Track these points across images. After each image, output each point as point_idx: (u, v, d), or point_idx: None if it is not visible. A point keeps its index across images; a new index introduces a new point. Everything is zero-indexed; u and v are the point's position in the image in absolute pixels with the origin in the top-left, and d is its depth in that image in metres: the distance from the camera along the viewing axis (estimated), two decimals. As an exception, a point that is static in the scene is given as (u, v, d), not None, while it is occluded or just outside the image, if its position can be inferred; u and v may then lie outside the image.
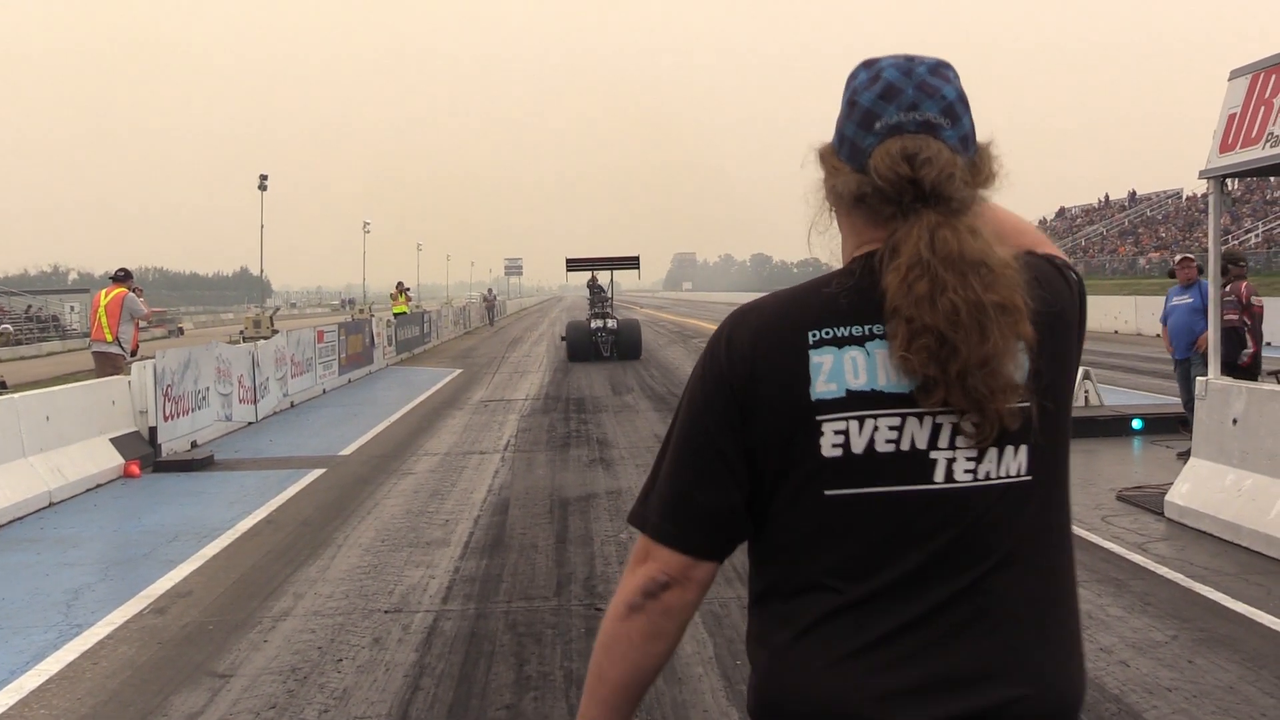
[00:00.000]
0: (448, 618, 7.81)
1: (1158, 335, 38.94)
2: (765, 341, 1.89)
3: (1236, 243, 63.44)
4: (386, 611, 7.99)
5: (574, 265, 37.66)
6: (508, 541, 10.04)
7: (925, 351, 1.77)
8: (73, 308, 70.91)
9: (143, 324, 18.39)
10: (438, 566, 9.21)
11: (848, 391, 1.84)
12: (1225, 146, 9.79)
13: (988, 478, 1.84)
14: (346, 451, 15.75)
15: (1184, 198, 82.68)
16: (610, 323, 33.40)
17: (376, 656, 7.02)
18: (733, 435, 1.90)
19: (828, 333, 1.86)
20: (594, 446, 15.57)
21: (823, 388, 1.84)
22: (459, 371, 30.21)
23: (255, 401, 19.37)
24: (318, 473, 13.88)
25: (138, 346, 17.53)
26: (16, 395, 12.65)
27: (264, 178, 75.99)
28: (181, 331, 47.13)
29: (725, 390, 1.91)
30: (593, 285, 39.40)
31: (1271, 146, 9.05)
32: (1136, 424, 15.15)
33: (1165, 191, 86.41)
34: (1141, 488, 11.36)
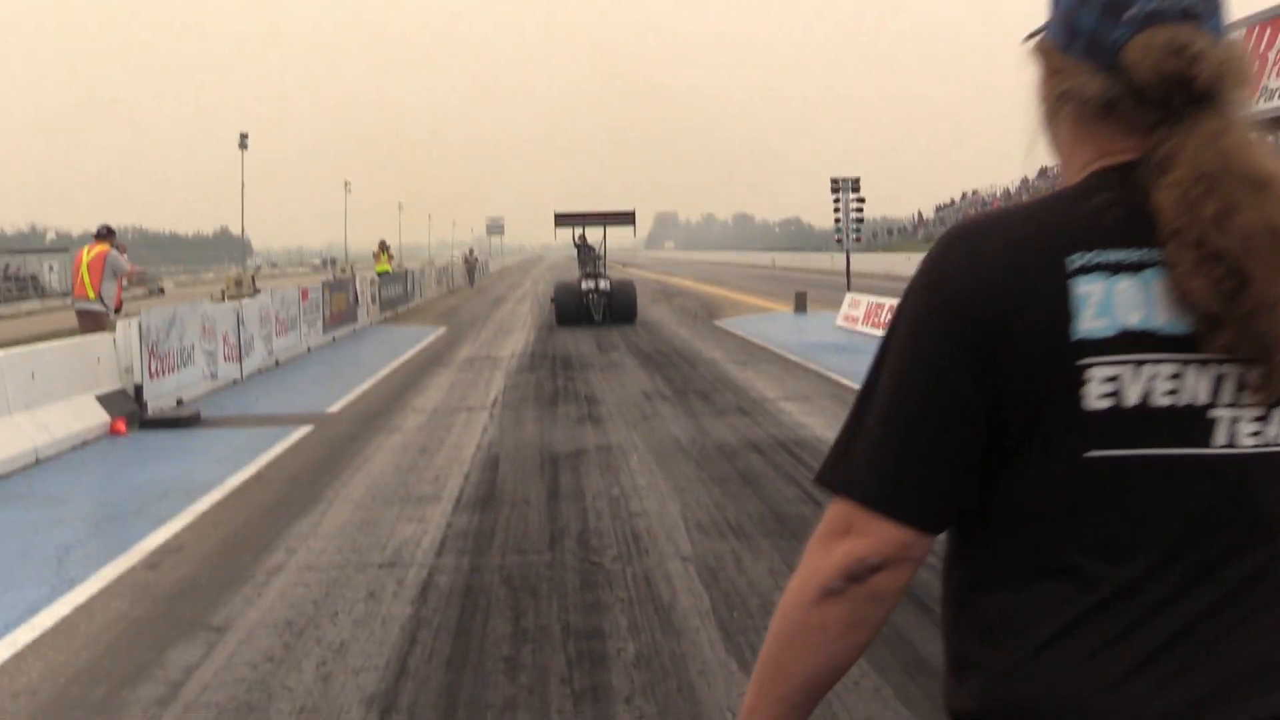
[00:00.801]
0: (442, 572, 7.79)
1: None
2: (1017, 261, 1.54)
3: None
4: (380, 566, 7.96)
5: (563, 221, 35.28)
6: (499, 497, 10.02)
7: (1214, 283, 1.45)
8: (51, 267, 70.52)
9: (125, 282, 18.20)
10: (430, 521, 9.19)
11: (1121, 330, 1.50)
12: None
13: (1273, 443, 1.52)
14: (334, 409, 15.69)
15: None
16: (602, 283, 30.94)
17: (372, 610, 7.00)
18: (973, 376, 1.53)
19: (1096, 257, 1.51)
20: (582, 403, 15.55)
21: (1089, 324, 1.50)
22: (443, 330, 30.13)
23: (240, 359, 19.28)
24: (305, 430, 13.83)
25: (121, 304, 17.39)
26: (1, 352, 12.54)
27: (244, 136, 75.64)
28: (162, 291, 46.86)
29: (965, 320, 1.54)
30: (581, 244, 37.58)
31: (1266, 100, 9.03)
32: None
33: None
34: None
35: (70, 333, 30.49)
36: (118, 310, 17.14)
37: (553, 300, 32.26)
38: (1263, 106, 8.87)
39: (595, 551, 8.17)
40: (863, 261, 64.21)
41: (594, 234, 35.30)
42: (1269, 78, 8.92)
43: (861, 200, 32.75)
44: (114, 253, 17.27)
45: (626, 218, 36.06)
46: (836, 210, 32.84)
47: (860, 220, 33.60)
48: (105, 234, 17.51)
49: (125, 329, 14.86)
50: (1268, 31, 9.00)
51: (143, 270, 17.73)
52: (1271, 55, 8.94)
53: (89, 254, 17.22)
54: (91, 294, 17.03)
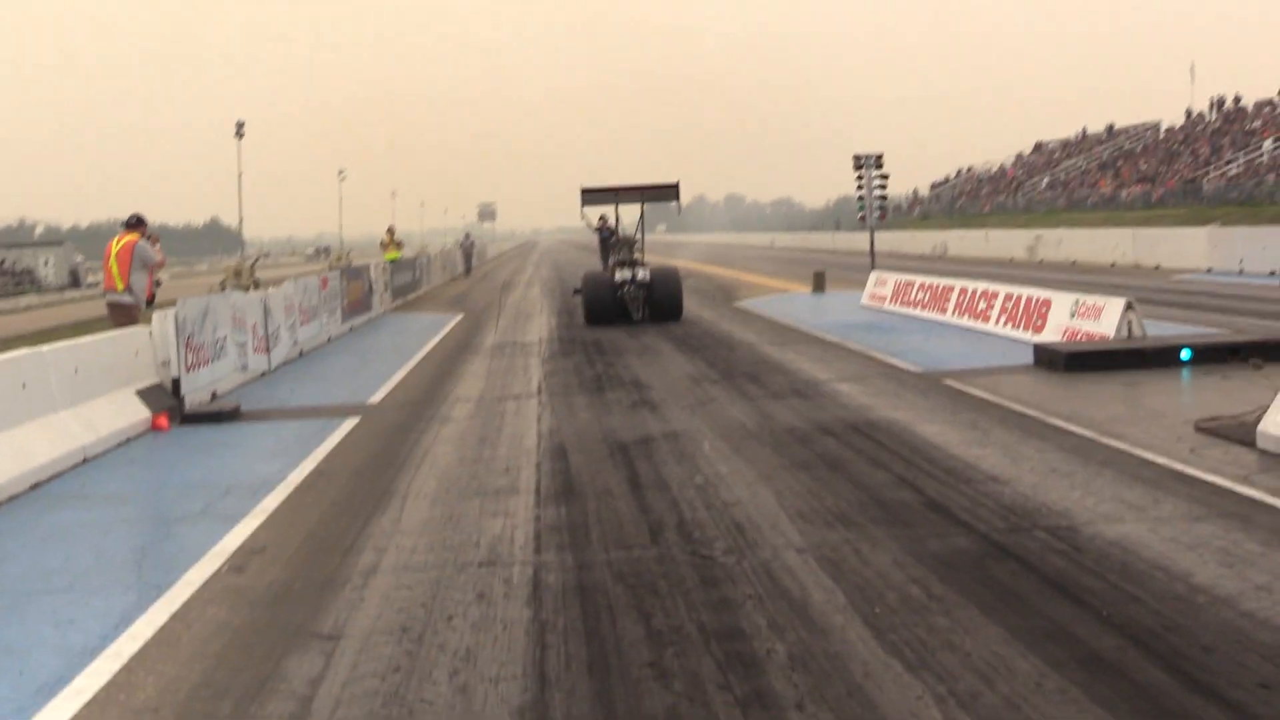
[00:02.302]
0: (547, 569, 7.42)
1: (1156, 266, 39.09)
2: None
3: (1217, 174, 63.33)
4: (480, 565, 7.60)
5: (592, 197, 28.74)
6: (579, 488, 9.65)
7: None
8: (47, 261, 70.04)
9: (159, 272, 17.69)
10: (516, 515, 8.83)
11: None
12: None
13: None
14: (375, 399, 15.31)
15: (1162, 130, 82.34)
16: (640, 273, 25.48)
17: (488, 613, 6.64)
18: None
19: None
20: (629, 389, 15.16)
21: None
22: (460, 316, 29.72)
23: (269, 350, 18.85)
24: (352, 421, 13.45)
25: (153, 296, 16.90)
26: (46, 348, 12.10)
27: (241, 125, 75.00)
28: (159, 283, 46.38)
29: None
30: (602, 227, 35.17)
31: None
32: (1185, 354, 14.79)
33: (1143, 124, 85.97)
34: (1218, 418, 11.01)
35: (68, 329, 30.22)
36: (150, 302, 16.65)
37: (577, 293, 27.20)
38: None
39: (702, 545, 7.80)
40: (861, 240, 63.88)
41: (626, 214, 31.26)
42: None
43: (885, 177, 32.36)
44: (143, 243, 16.75)
45: (668, 191, 29.08)
46: (860, 188, 32.44)
47: (884, 198, 33.24)
48: (134, 224, 16.98)
49: (161, 321, 14.42)
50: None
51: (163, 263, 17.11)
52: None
53: (117, 244, 16.71)
54: (120, 285, 16.53)
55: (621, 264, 26.22)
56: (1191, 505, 8.26)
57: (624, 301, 25.09)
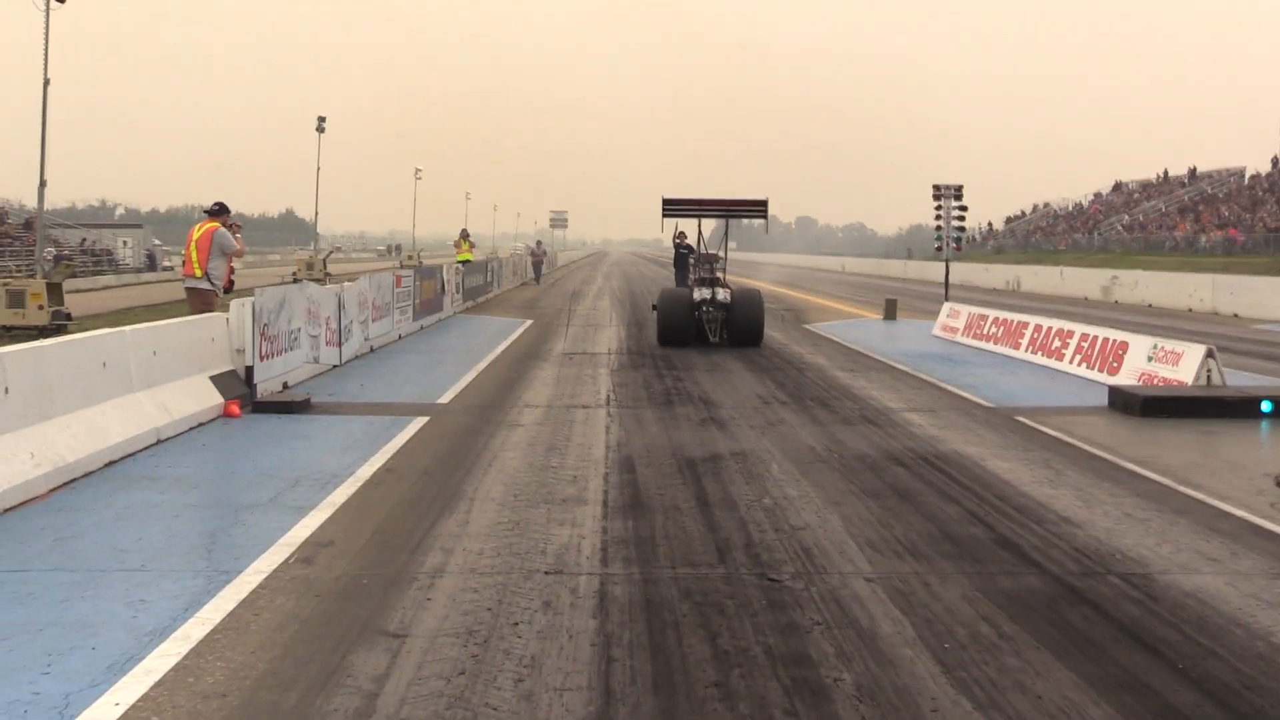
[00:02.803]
0: (614, 582, 7.41)
1: (1235, 315, 38.55)
2: None
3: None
4: (547, 573, 7.59)
5: (674, 208, 26.71)
6: (647, 502, 9.63)
7: None
8: (125, 242, 70.85)
9: (236, 261, 17.86)
10: (584, 525, 8.82)
11: None
12: None
13: None
14: (444, 400, 15.38)
15: (1247, 177, 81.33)
16: (720, 293, 23.92)
17: (554, 621, 6.62)
18: None
19: None
20: (699, 405, 15.13)
21: None
22: (530, 322, 29.78)
23: (340, 344, 18.98)
24: (421, 421, 13.50)
25: (231, 284, 17.09)
26: (127, 329, 12.26)
27: (322, 119, 75.58)
28: (234, 272, 46.71)
29: None
30: (680, 242, 34.41)
31: None
32: (1266, 406, 14.56)
33: (1227, 169, 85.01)
34: (1299, 473, 10.83)
35: (144, 309, 30.61)
36: (228, 289, 16.84)
37: (654, 308, 25.32)
38: None
39: (770, 567, 7.75)
40: (933, 270, 63.45)
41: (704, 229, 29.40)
42: None
43: (964, 208, 32.14)
44: (222, 230, 16.94)
45: (757, 208, 27.32)
46: (938, 218, 32.22)
47: (962, 229, 32.99)
48: (216, 211, 17.18)
49: (239, 309, 14.56)
50: None
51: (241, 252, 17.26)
52: None
53: (198, 231, 16.93)
54: (198, 271, 16.73)
55: (701, 282, 24.71)
56: (1271, 561, 8.11)
57: (701, 322, 23.54)
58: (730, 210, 27.43)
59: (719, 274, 25.18)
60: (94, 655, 5.93)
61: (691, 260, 28.79)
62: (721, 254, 26.27)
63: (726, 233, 27.53)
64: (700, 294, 23.89)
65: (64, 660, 5.87)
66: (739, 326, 23.45)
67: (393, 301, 23.73)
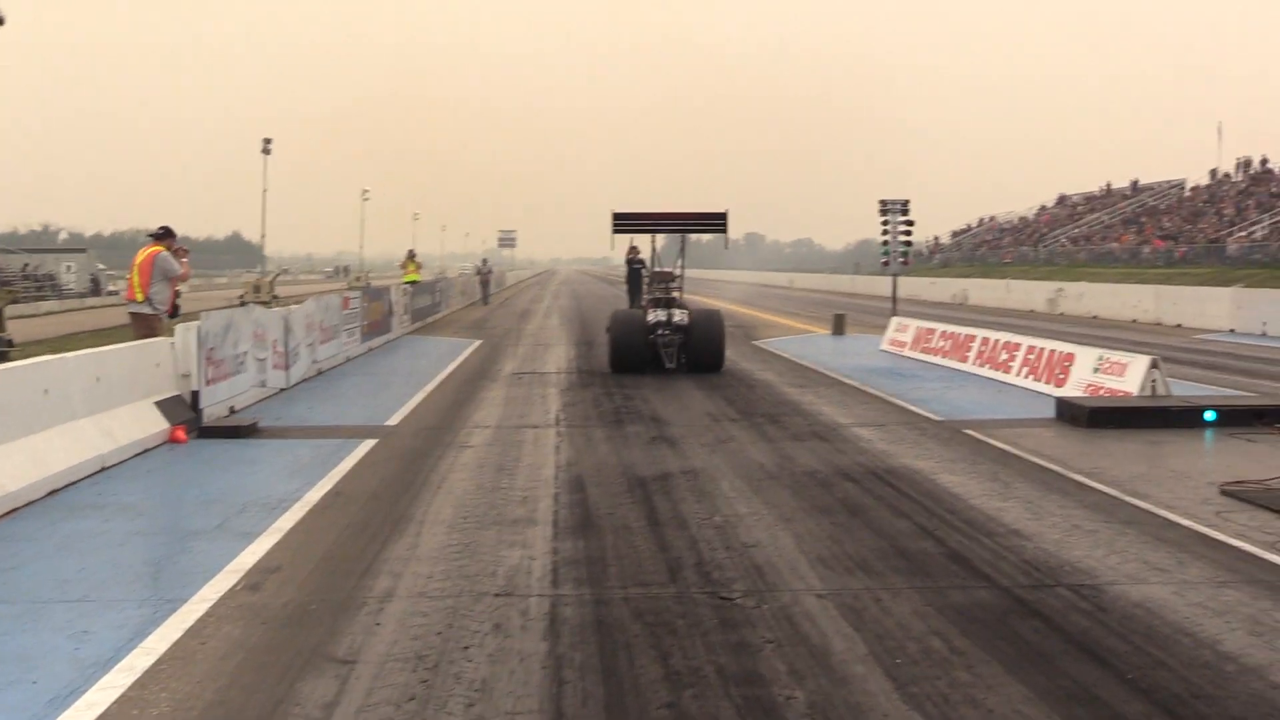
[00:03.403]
0: (565, 603, 7.36)
1: (1178, 325, 38.95)
2: None
3: (1242, 235, 63.19)
4: (497, 595, 7.54)
5: (626, 224, 23.83)
6: (597, 522, 9.59)
7: None
8: (69, 267, 70.12)
9: (182, 285, 17.63)
10: (534, 547, 8.77)
11: None
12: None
13: None
14: (392, 422, 15.28)
15: (1187, 189, 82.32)
16: (677, 315, 21.95)
17: (505, 644, 6.57)
18: None
19: None
20: (649, 424, 15.11)
21: None
22: (478, 342, 29.66)
23: (288, 367, 18.85)
24: (370, 443, 13.41)
25: (175, 309, 16.89)
26: (70, 355, 12.11)
27: (268, 141, 75.18)
28: (179, 295, 46.26)
29: None
30: (634, 259, 33.44)
31: None
32: (1210, 415, 14.71)
33: (1168, 182, 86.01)
34: (1243, 482, 10.93)
35: (90, 335, 30.26)
36: (173, 314, 16.64)
37: (608, 331, 23.55)
38: None
39: (721, 585, 7.74)
40: (881, 284, 63.79)
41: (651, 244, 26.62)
42: None
43: (910, 223, 32.36)
44: (164, 255, 16.70)
45: (715, 221, 24.21)
46: (885, 233, 32.41)
47: (908, 244, 33.18)
48: (160, 235, 16.96)
49: (184, 333, 14.42)
50: None
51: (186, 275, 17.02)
52: None
53: (141, 256, 16.71)
54: (140, 296, 16.50)
55: (656, 303, 22.58)
56: (1218, 570, 8.18)
57: (656, 347, 21.68)
58: (686, 224, 24.70)
59: (675, 293, 23.18)
60: (35, 689, 5.82)
61: (646, 278, 27.21)
62: (677, 271, 24.05)
63: (683, 249, 24.55)
64: (655, 316, 21.96)
65: (3, 695, 5.76)
66: (698, 351, 21.61)
67: (340, 323, 23.59)
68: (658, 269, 24.65)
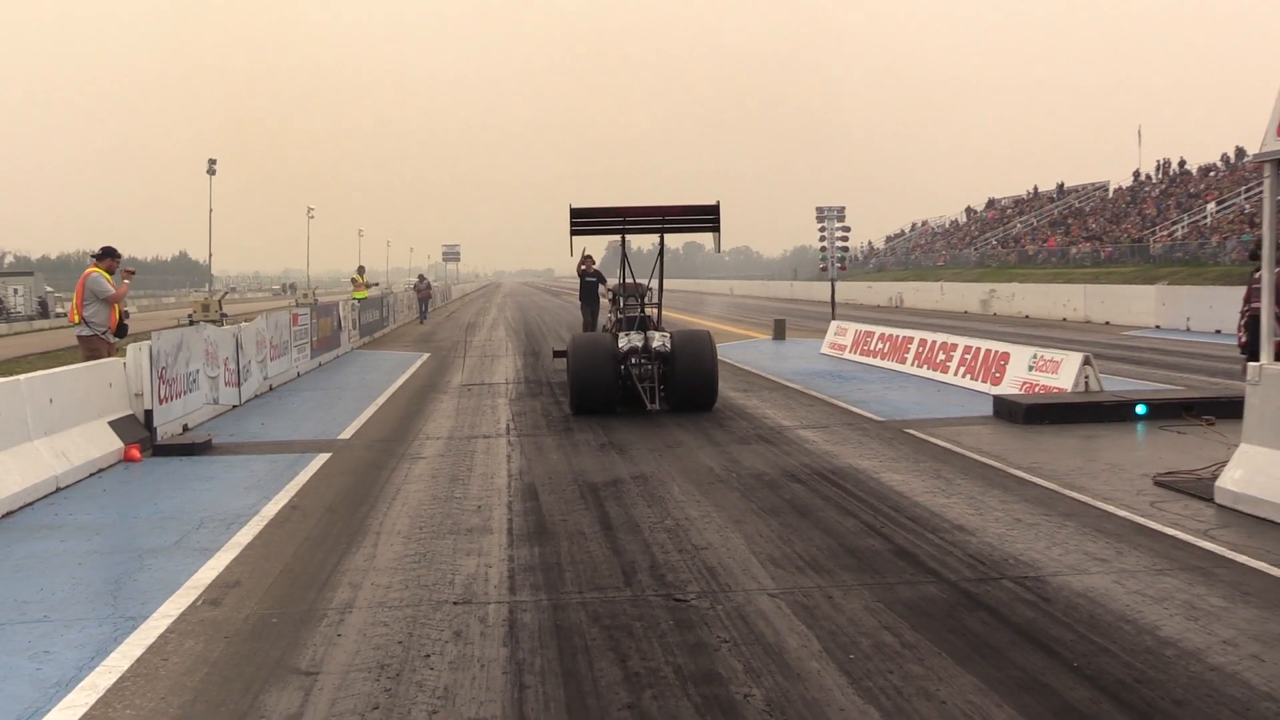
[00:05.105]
0: (523, 609, 7.33)
1: (1106, 322, 39.38)
2: None
3: (1164, 234, 64.02)
4: (455, 603, 7.49)
5: (586, 223, 17.88)
6: (551, 529, 9.55)
7: None
8: (16, 290, 69.16)
9: (129, 304, 17.35)
10: (490, 555, 8.72)
11: None
12: (1285, 129, 9.47)
13: None
14: (345, 435, 15.17)
15: (1111, 190, 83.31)
16: (657, 339, 16.78)
17: (465, 652, 6.53)
18: None
19: None
20: (598, 431, 15.08)
21: None
22: (427, 355, 29.51)
23: (239, 384, 18.68)
24: (323, 457, 13.31)
25: (124, 327, 16.61)
26: (22, 377, 11.94)
27: (213, 162, 74.56)
28: (128, 314, 45.85)
29: None
30: (587, 269, 28.21)
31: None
32: (1141, 409, 14.87)
33: (1093, 184, 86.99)
34: (1175, 473, 11.06)
35: (37, 358, 29.84)
36: (119, 333, 16.34)
37: (559, 355, 20.90)
38: None
39: (675, 588, 7.72)
40: (819, 290, 64.09)
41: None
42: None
43: (847, 229, 32.57)
44: (93, 275, 16.29)
45: (703, 216, 18.01)
46: (822, 239, 32.60)
47: (845, 249, 33.38)
48: (100, 256, 16.68)
49: (136, 353, 14.25)
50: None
51: (122, 292, 16.68)
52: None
53: (80, 278, 16.48)
54: (76, 317, 16.28)
55: (627, 324, 17.70)
56: (1154, 559, 8.26)
57: (629, 380, 16.70)
58: (666, 222, 17.94)
59: (651, 311, 18.38)
60: (-2, 710, 5.74)
61: (603, 292, 23.36)
62: (652, 285, 18.63)
63: (661, 254, 17.96)
64: (628, 341, 16.80)
65: (-33, 717, 5.67)
66: (684, 384, 16.51)
67: (290, 340, 23.41)
68: (630, 280, 18.97)
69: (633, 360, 16.65)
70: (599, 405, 16.48)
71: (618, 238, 19.27)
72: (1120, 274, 55.40)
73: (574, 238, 17.90)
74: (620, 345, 16.73)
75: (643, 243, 20.85)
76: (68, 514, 10.45)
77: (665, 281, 18.37)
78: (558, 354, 20.94)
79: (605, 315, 21.42)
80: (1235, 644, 6.42)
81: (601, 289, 26.95)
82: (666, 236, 18.17)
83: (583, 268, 28.25)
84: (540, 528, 9.60)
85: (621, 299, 18.66)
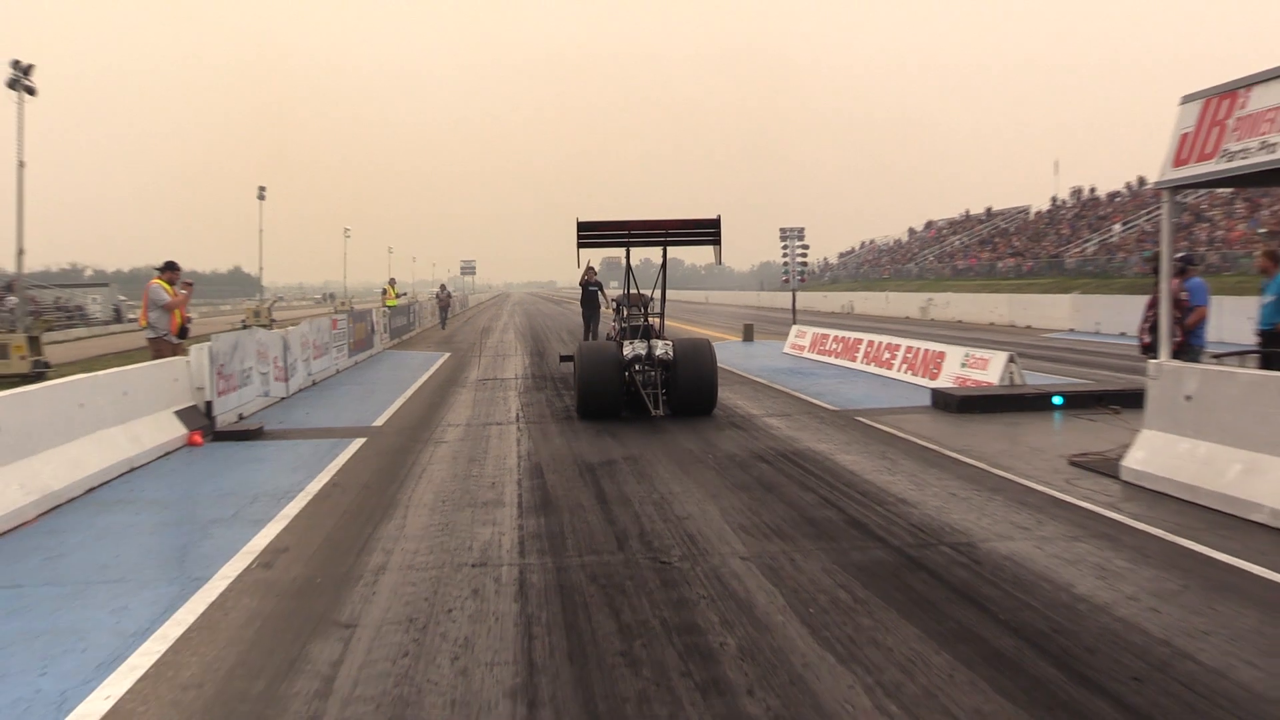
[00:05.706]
0: (531, 571, 7.33)
1: (1028, 326, 39.46)
2: None
3: (1077, 251, 64.14)
4: (473, 566, 7.49)
5: (592, 236, 16.39)
6: (555, 502, 9.55)
7: None
8: (95, 299, 69.14)
9: (190, 310, 17.21)
10: (503, 524, 8.72)
11: None
12: (1179, 161, 9.51)
13: None
14: (379, 423, 15.14)
15: (1031, 213, 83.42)
16: (660, 347, 15.61)
17: (482, 607, 6.54)
18: None
19: None
20: (594, 419, 15.05)
21: None
22: (448, 355, 29.47)
23: (287, 379, 18.65)
24: (360, 441, 13.29)
25: (186, 330, 16.52)
26: (100, 373, 11.94)
27: (263, 189, 74.36)
28: (190, 320, 45.77)
29: None
30: (589, 280, 27.11)
31: (1227, 161, 8.77)
32: (1057, 400, 14.92)
33: (1016, 208, 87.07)
34: (1087, 454, 11.11)
35: (115, 356, 29.77)
36: (182, 335, 16.25)
37: (565, 360, 20.55)
38: (1225, 165, 8.60)
39: (661, 552, 7.74)
40: (783, 299, 64.13)
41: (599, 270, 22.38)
42: (1228, 142, 8.66)
43: (806, 247, 32.61)
44: (153, 285, 16.08)
45: (703, 230, 16.36)
46: (785, 255, 32.64)
47: (804, 264, 33.42)
48: (161, 269, 16.58)
49: (198, 352, 14.25)
50: (1225, 103, 8.74)
51: (183, 298, 16.51)
52: (1229, 123, 8.65)
53: (145, 288, 16.41)
54: (143, 323, 16.22)
55: (631, 332, 16.53)
56: (1070, 527, 8.30)
57: (633, 387, 15.69)
58: (668, 235, 16.49)
59: (654, 319, 17.13)
60: (84, 656, 5.75)
61: (605, 304, 22.47)
62: (654, 295, 17.47)
63: (664, 265, 16.93)
64: (632, 349, 15.65)
65: (58, 662, 5.68)
66: (686, 390, 15.27)
67: (330, 341, 23.36)
68: (634, 290, 17.51)
69: (637, 367, 15.64)
70: (605, 410, 15.24)
71: (613, 252, 18.78)
72: (1039, 285, 55.48)
73: (580, 250, 16.21)
74: (625, 353, 15.57)
75: (635, 256, 18.39)
76: (140, 490, 10.44)
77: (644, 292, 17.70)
78: (564, 359, 20.60)
79: (609, 324, 20.60)
80: (1137, 599, 6.46)
81: (602, 298, 26.73)
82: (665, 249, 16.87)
83: (584, 279, 27.55)
84: (545, 501, 9.60)
85: (625, 309, 17.35)
